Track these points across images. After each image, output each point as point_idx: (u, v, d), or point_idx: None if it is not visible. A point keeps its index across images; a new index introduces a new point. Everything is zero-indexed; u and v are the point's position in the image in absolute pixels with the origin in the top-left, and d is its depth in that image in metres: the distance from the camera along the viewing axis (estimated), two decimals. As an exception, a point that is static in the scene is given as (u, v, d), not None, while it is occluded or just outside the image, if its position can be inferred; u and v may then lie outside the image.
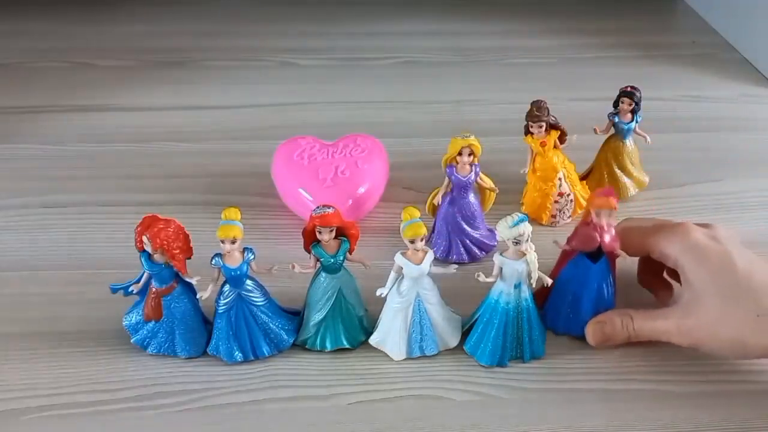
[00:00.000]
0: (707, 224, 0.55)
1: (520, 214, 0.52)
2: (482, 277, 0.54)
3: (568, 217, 0.71)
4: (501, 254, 0.54)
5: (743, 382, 0.55)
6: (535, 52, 1.11)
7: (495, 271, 0.54)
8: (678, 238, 0.52)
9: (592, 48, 1.13)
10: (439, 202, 0.65)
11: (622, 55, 1.10)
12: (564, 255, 0.58)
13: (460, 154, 0.62)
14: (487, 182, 0.65)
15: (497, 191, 0.66)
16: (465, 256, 0.66)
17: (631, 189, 0.74)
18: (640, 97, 0.70)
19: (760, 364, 0.56)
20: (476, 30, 1.17)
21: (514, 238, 0.52)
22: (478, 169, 0.63)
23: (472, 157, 0.62)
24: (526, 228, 0.51)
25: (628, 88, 0.71)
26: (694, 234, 0.52)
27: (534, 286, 0.54)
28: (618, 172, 0.74)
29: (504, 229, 0.52)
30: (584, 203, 0.71)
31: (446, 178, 0.64)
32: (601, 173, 0.74)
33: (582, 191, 0.72)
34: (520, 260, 0.53)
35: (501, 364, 0.56)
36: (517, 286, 0.54)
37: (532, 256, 0.52)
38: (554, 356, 0.57)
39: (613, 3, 1.29)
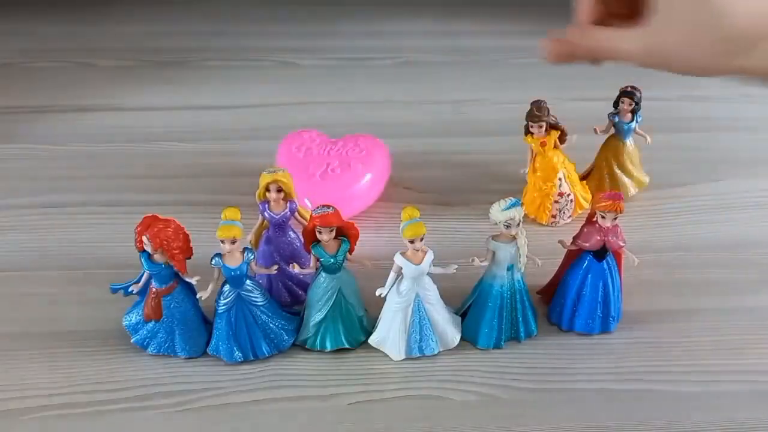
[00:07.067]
0: None
1: (513, 199, 0.53)
2: (477, 261, 0.55)
3: (568, 217, 0.71)
4: (493, 239, 0.55)
5: (744, 382, 0.55)
6: (535, 52, 1.11)
7: (488, 256, 0.55)
8: None
9: (592, 48, 1.13)
10: (252, 241, 0.59)
11: (622, 55, 1.10)
12: (569, 254, 0.59)
13: (268, 190, 0.56)
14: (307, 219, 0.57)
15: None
16: (287, 298, 0.61)
17: (631, 189, 0.74)
18: (640, 97, 0.70)
19: (760, 364, 0.56)
20: (476, 30, 1.17)
21: (506, 222, 0.53)
22: (294, 206, 0.58)
23: (281, 193, 0.57)
24: (518, 212, 0.52)
25: (629, 88, 0.71)
26: None
27: (523, 269, 0.55)
28: (618, 172, 0.73)
29: (496, 213, 0.53)
30: (584, 203, 0.71)
31: (260, 215, 0.58)
32: (601, 173, 0.74)
33: (582, 191, 0.72)
34: (511, 243, 0.54)
35: (497, 346, 0.57)
36: (510, 269, 0.55)
37: (522, 240, 0.54)
38: (554, 356, 0.57)
39: (613, 3, 1.29)
